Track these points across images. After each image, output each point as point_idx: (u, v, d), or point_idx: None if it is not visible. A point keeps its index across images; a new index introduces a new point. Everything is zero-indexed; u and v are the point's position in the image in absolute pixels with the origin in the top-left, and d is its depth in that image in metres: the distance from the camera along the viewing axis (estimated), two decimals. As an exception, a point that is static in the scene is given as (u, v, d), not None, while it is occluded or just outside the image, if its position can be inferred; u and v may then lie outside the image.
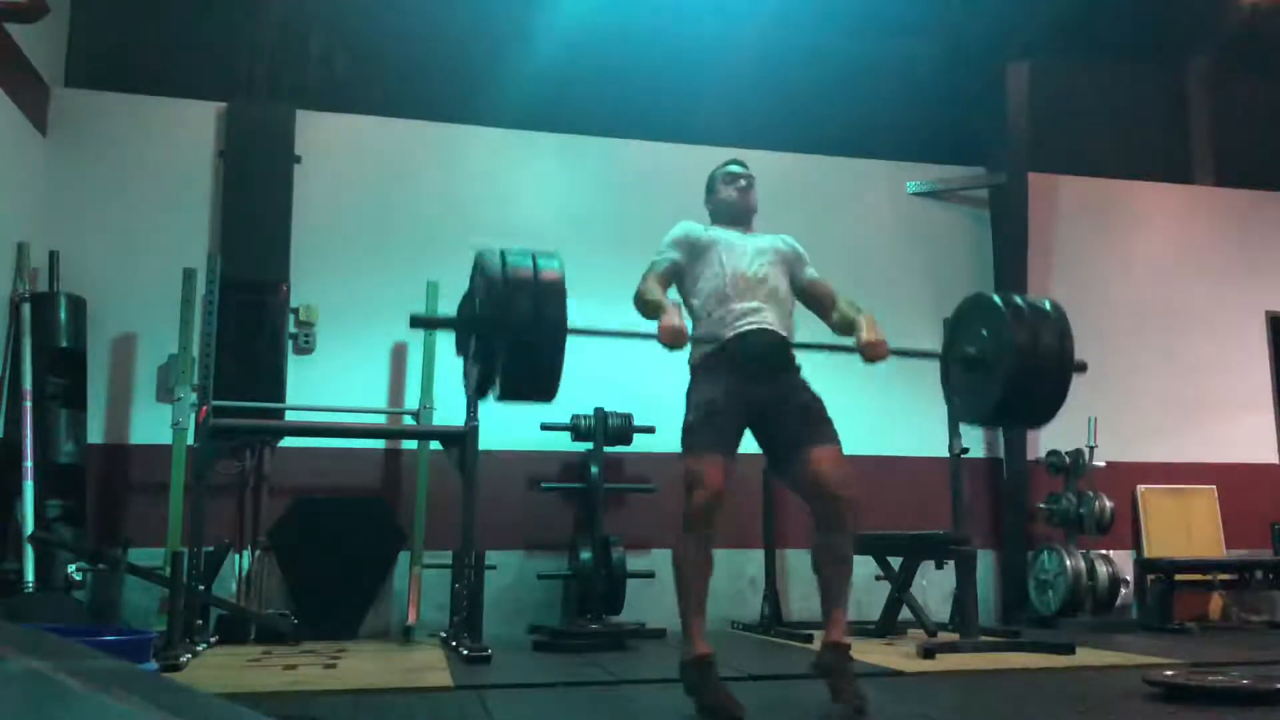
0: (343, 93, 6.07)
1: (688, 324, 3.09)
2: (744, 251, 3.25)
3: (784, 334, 3.17)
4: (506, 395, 2.81)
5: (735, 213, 3.41)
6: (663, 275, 3.22)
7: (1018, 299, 3.29)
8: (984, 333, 3.28)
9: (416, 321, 3.07)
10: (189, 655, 4.05)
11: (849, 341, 3.25)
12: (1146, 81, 7.40)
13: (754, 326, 3.11)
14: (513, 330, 2.69)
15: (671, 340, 2.98)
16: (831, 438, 3.07)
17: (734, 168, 3.49)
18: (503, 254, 2.75)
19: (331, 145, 5.92)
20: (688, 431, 3.13)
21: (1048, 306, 3.24)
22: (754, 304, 3.14)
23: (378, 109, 6.07)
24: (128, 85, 5.78)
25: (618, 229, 6.15)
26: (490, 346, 2.75)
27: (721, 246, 3.26)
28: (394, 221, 5.92)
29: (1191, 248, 7.13)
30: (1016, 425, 3.40)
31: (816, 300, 3.36)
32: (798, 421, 3.07)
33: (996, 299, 3.32)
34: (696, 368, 3.21)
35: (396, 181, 6.00)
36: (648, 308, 3.10)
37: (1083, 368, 3.18)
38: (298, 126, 5.75)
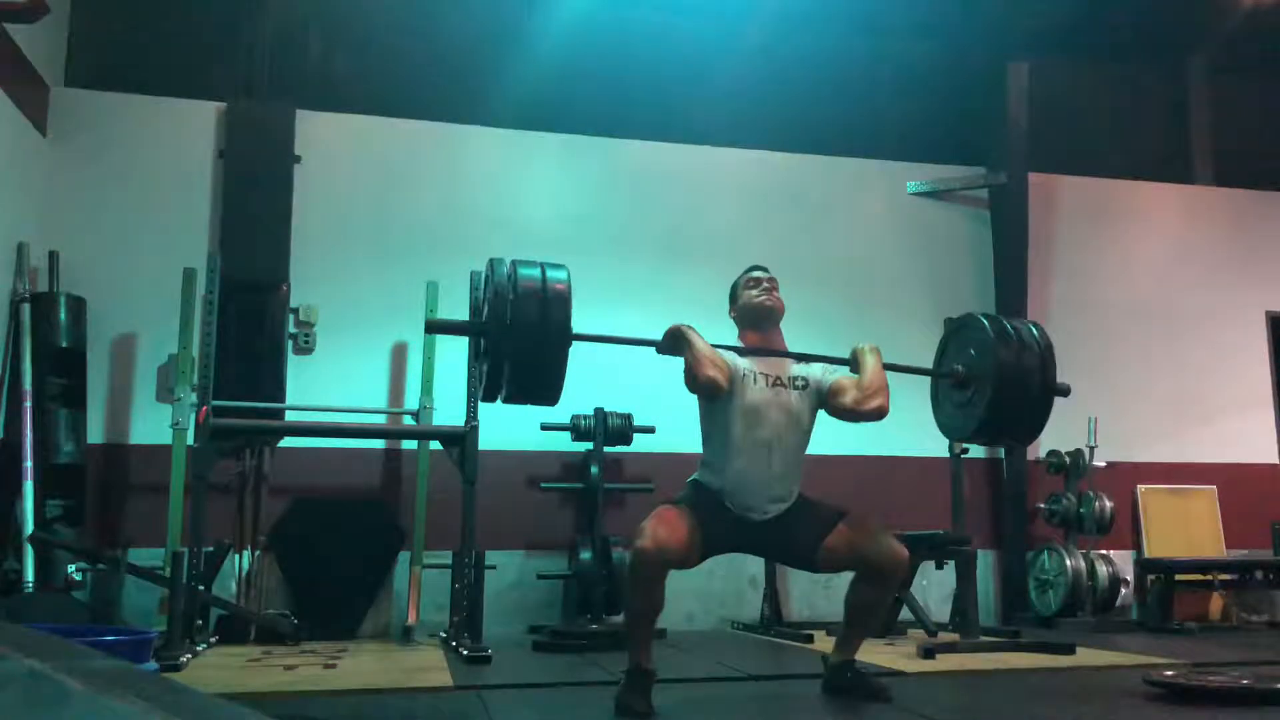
0: (343, 93, 6.07)
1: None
2: (764, 414, 3.13)
3: (787, 503, 3.15)
4: (513, 398, 2.95)
5: (760, 318, 3.30)
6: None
7: (1005, 322, 3.45)
8: (971, 352, 3.43)
9: (432, 327, 3.28)
10: (189, 655, 4.05)
11: (843, 354, 3.31)
12: (1146, 81, 7.40)
13: (758, 504, 3.10)
14: (520, 336, 2.84)
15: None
16: (839, 514, 3.13)
17: (756, 272, 3.39)
18: (514, 264, 2.92)
19: (331, 145, 5.91)
20: (675, 498, 3.13)
21: (1034, 332, 3.41)
22: (763, 473, 3.10)
23: (378, 109, 6.06)
24: (128, 85, 5.78)
25: (618, 229, 6.16)
26: (499, 352, 2.88)
27: (744, 403, 3.13)
28: (394, 221, 5.92)
29: (1191, 247, 7.13)
30: (998, 443, 3.60)
31: (839, 396, 3.22)
32: (798, 529, 3.12)
33: (984, 320, 3.46)
34: (696, 485, 3.19)
35: (396, 181, 5.99)
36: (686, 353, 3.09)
37: (1065, 391, 3.37)
38: (298, 126, 5.75)
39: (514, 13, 6.21)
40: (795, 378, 3.22)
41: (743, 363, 3.20)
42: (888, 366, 3.27)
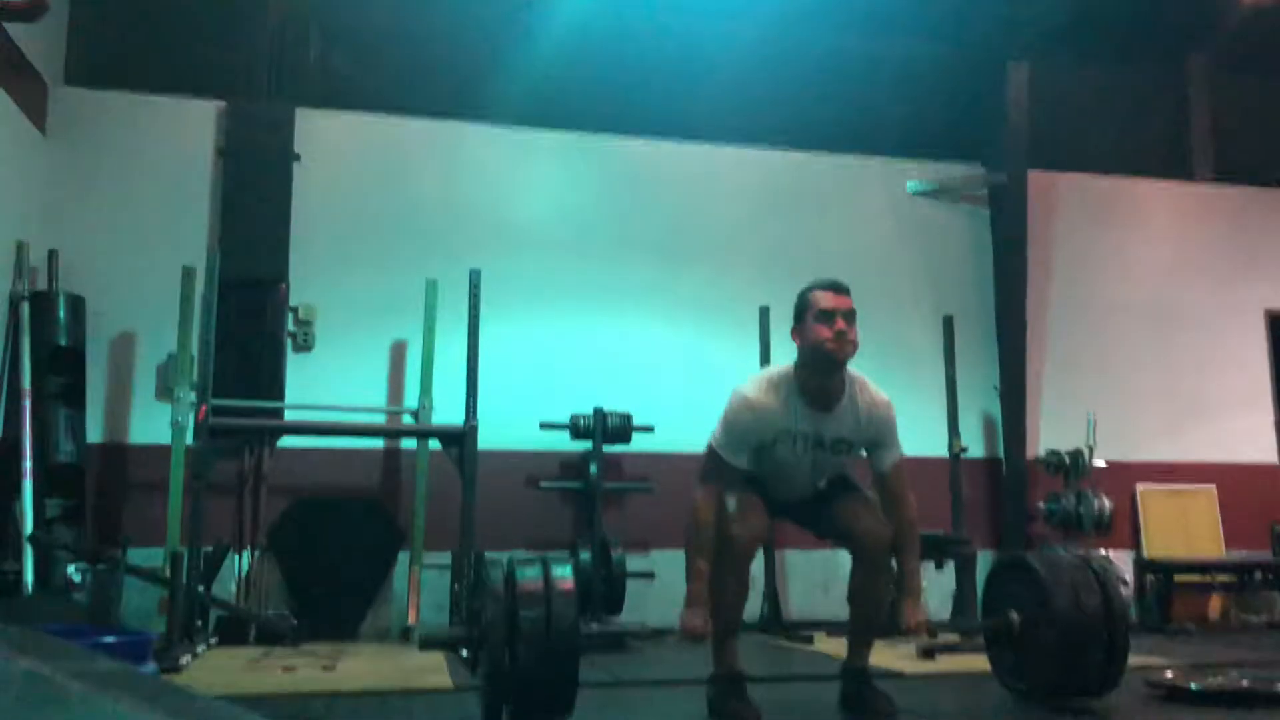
0: (343, 92, 6.07)
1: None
2: (800, 467, 2.99)
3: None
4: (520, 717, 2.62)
5: (827, 364, 2.87)
6: (724, 492, 2.93)
7: (1056, 556, 3.14)
8: (1023, 594, 3.09)
9: (426, 643, 2.95)
10: (189, 656, 4.04)
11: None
12: (1146, 81, 7.40)
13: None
14: (525, 644, 2.49)
15: (691, 638, 2.88)
16: (855, 490, 3.10)
17: (828, 299, 2.88)
18: (510, 563, 2.63)
19: (331, 144, 5.91)
20: (709, 453, 2.99)
21: (1090, 564, 3.07)
22: (799, 491, 3.09)
23: (378, 108, 6.06)
24: (128, 85, 5.78)
25: (617, 227, 6.15)
26: (500, 662, 2.54)
27: (776, 456, 2.94)
28: (394, 220, 5.91)
29: (1191, 246, 7.13)
30: (1071, 697, 3.12)
31: (883, 500, 3.07)
32: (825, 494, 3.11)
33: (1030, 560, 3.13)
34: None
35: (396, 180, 5.99)
36: (688, 562, 2.91)
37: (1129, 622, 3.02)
38: (298, 126, 5.74)
39: (513, 12, 6.21)
40: (839, 440, 2.97)
41: (784, 418, 2.91)
42: (930, 631, 3.12)
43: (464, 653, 2.78)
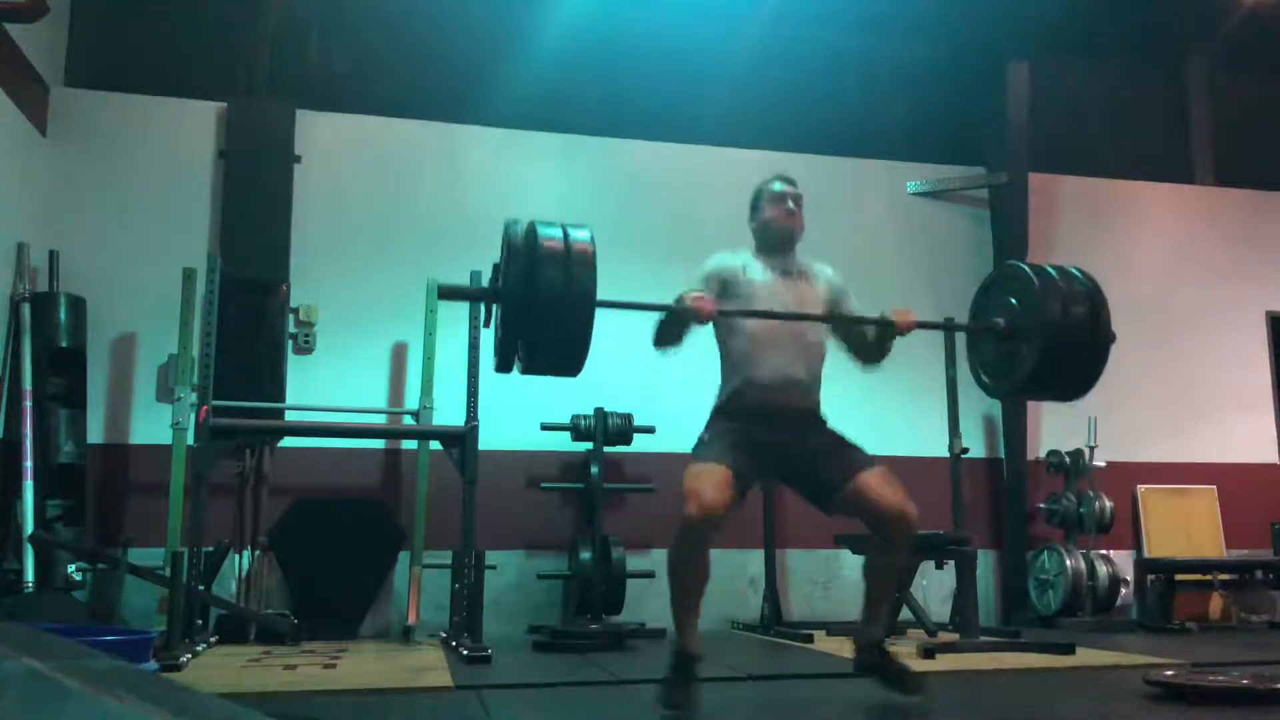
0: (343, 93, 6.07)
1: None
2: (780, 301, 3.10)
3: (811, 404, 3.12)
4: (532, 368, 2.79)
5: (781, 238, 3.22)
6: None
7: (1048, 268, 3.22)
8: (1013, 302, 3.21)
9: (445, 293, 3.03)
10: (189, 655, 4.04)
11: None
12: (1146, 81, 7.40)
13: (780, 399, 3.05)
14: (541, 301, 2.65)
15: (703, 314, 2.94)
16: (869, 461, 3.05)
17: (779, 185, 3.26)
18: (532, 224, 2.76)
19: (331, 145, 5.91)
20: (697, 446, 3.06)
21: (1078, 275, 3.21)
22: (783, 363, 3.06)
23: (378, 109, 6.06)
24: (128, 85, 5.78)
25: (617, 229, 6.13)
26: (518, 318, 2.71)
27: (755, 290, 3.11)
28: (394, 221, 5.92)
29: (1192, 247, 7.13)
30: (1049, 397, 3.32)
31: (846, 338, 3.23)
32: (830, 459, 3.04)
33: (1026, 268, 3.26)
34: (718, 410, 3.14)
35: (396, 181, 5.99)
36: (670, 314, 2.99)
37: (1112, 338, 3.19)
38: (298, 126, 5.75)
39: (513, 12, 6.21)
40: (806, 270, 3.18)
41: (737, 260, 3.15)
42: (921, 325, 3.19)
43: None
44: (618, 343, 5.84)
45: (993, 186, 6.68)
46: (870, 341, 3.21)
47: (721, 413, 3.13)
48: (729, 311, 3.04)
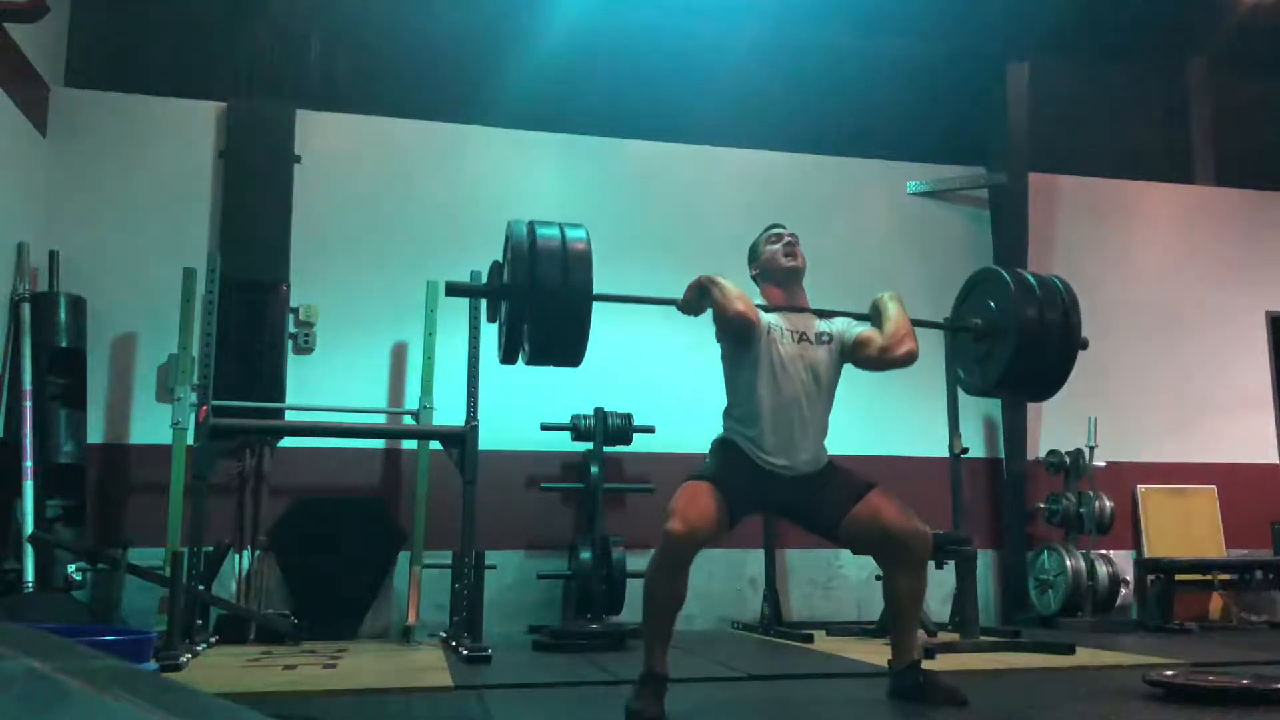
0: (343, 93, 6.07)
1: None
2: (790, 369, 3.06)
3: (815, 469, 3.08)
4: (535, 359, 2.94)
5: (784, 275, 3.25)
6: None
7: (1026, 274, 3.40)
8: (991, 304, 3.37)
9: (452, 290, 3.16)
10: (189, 655, 4.05)
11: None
12: (1146, 81, 7.40)
13: (781, 466, 3.02)
14: (542, 296, 2.83)
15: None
16: (867, 485, 3.05)
17: (776, 229, 3.34)
18: (531, 225, 2.92)
19: (331, 145, 5.91)
20: (698, 470, 3.06)
21: (1056, 284, 3.36)
22: (789, 442, 3.02)
23: (378, 109, 6.06)
24: (128, 85, 5.78)
25: (617, 228, 6.14)
26: (520, 314, 2.88)
27: (770, 355, 3.06)
28: (394, 221, 5.92)
29: (1192, 248, 7.13)
30: (1017, 398, 3.53)
31: (865, 347, 3.17)
32: (829, 494, 3.04)
33: (1004, 273, 3.42)
34: (723, 443, 3.11)
35: (396, 181, 5.99)
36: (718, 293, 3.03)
37: (1084, 345, 3.29)
38: (298, 126, 5.75)
39: (514, 13, 6.21)
40: (821, 333, 3.17)
41: (769, 318, 3.14)
42: (917, 323, 3.23)
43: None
44: (618, 343, 5.88)
45: (993, 186, 6.68)
46: (881, 340, 3.15)
47: (726, 446, 3.10)
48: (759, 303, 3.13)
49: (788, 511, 3.16)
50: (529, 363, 2.97)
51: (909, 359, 3.13)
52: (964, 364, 3.57)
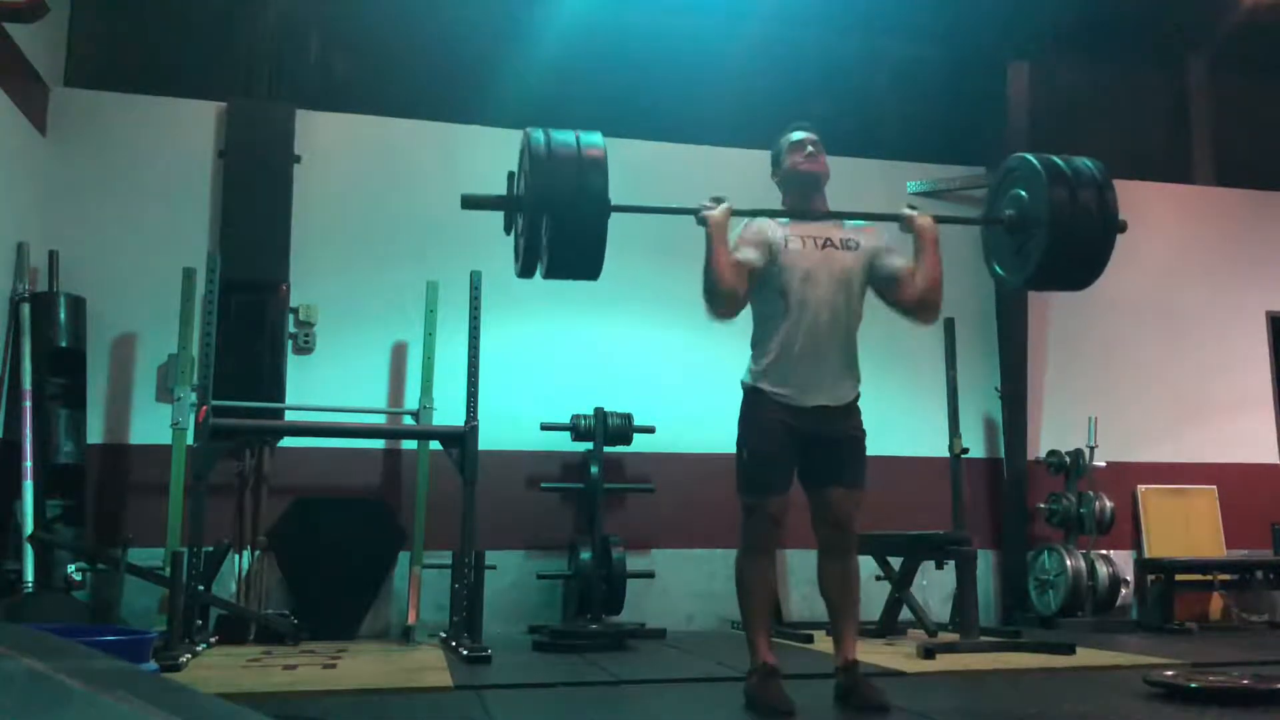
0: (343, 93, 6.07)
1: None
2: (815, 278, 3.04)
3: (845, 399, 3.10)
4: (553, 271, 2.90)
5: (808, 183, 3.18)
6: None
7: (1055, 159, 3.26)
8: (1023, 194, 3.25)
9: (468, 202, 3.09)
10: (189, 655, 4.04)
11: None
12: (1146, 81, 7.39)
13: (814, 402, 3.05)
14: (558, 204, 2.78)
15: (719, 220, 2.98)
16: (855, 481, 3.11)
17: (798, 134, 3.21)
18: (547, 132, 2.87)
19: (331, 145, 5.91)
20: (742, 471, 3.11)
21: (1088, 165, 3.27)
22: (818, 364, 3.04)
23: (378, 109, 6.06)
24: (128, 85, 5.77)
25: (618, 228, 6.13)
26: (537, 223, 2.83)
27: (791, 267, 3.04)
28: (394, 221, 5.91)
29: (1192, 248, 7.13)
30: (1060, 286, 3.36)
31: (899, 287, 3.15)
32: (835, 459, 3.09)
33: (1033, 159, 3.29)
34: (754, 391, 3.12)
35: (396, 181, 5.99)
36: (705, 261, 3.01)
37: (1123, 227, 3.23)
38: (298, 126, 5.74)
39: (514, 13, 6.21)
40: (847, 239, 3.12)
41: (783, 231, 3.08)
42: (940, 219, 3.25)
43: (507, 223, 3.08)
44: (619, 344, 5.88)
45: (993, 186, 6.67)
46: (917, 292, 3.13)
47: (755, 401, 3.10)
48: (740, 212, 3.08)
49: (805, 451, 3.11)
50: (546, 275, 2.91)
51: (931, 321, 3.17)
52: (1001, 259, 3.40)
